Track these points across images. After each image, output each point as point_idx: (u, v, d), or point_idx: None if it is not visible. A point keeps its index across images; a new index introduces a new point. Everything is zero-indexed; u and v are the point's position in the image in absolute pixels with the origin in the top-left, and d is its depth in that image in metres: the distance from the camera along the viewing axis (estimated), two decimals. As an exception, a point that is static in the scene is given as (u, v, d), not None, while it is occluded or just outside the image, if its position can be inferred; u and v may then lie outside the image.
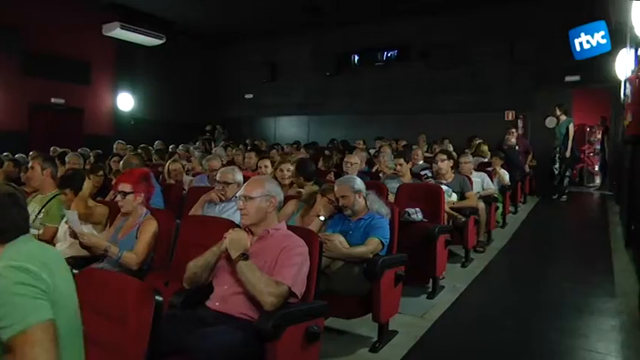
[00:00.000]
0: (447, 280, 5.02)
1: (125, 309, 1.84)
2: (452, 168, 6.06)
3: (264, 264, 2.51)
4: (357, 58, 13.68)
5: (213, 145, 11.57)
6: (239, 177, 4.17)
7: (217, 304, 2.55)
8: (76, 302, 1.73)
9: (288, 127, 15.34)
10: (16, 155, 8.03)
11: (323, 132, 13.81)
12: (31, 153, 8.44)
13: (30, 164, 4.26)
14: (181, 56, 14.98)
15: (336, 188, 3.75)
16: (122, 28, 12.43)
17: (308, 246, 2.62)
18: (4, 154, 8.19)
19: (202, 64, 16.01)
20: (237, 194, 3.95)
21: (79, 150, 8.21)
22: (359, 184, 3.70)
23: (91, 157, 7.81)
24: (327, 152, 8.53)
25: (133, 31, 12.68)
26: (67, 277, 1.71)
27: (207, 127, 14.93)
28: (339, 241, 3.42)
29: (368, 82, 13.44)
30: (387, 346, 3.57)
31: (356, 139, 11.62)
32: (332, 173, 6.68)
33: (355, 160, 5.87)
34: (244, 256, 2.46)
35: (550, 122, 10.60)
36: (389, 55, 13.21)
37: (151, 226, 3.44)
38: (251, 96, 15.82)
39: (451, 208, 5.40)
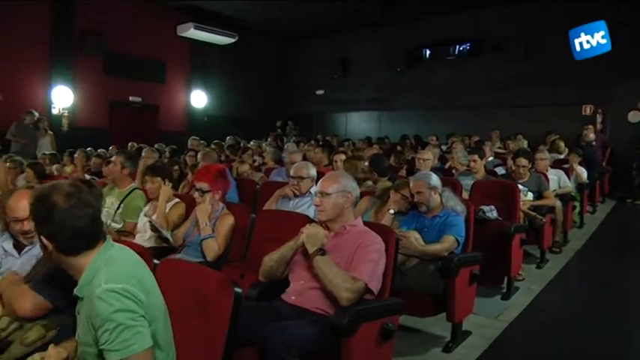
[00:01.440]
0: (522, 281, 4.86)
1: (206, 300, 1.86)
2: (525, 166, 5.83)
3: (340, 260, 2.49)
4: (428, 52, 13.49)
5: (284, 141, 11.71)
6: (313, 172, 4.18)
7: (293, 297, 2.56)
8: (164, 307, 1.79)
9: (358, 123, 15.32)
10: (99, 150, 8.42)
11: (394, 127, 13.68)
12: (110, 148, 8.88)
13: (113, 159, 4.44)
14: (253, 54, 15.27)
15: (411, 184, 3.69)
16: (196, 28, 12.86)
17: (384, 242, 2.58)
18: (88, 149, 8.62)
19: (274, 61, 16.26)
20: (312, 190, 4.05)
21: (155, 145, 8.50)
22: (435, 180, 3.63)
23: (167, 153, 8.07)
24: (398, 148, 8.42)
25: (206, 31, 13.10)
26: (155, 285, 1.77)
27: (278, 123, 15.13)
28: (414, 237, 3.36)
29: (439, 76, 13.22)
30: (461, 347, 3.49)
31: (427, 134, 11.45)
32: (404, 169, 6.58)
33: (428, 156, 5.77)
34: (321, 251, 2.45)
35: (634, 117, 10.02)
36: (461, 49, 12.97)
37: (228, 221, 3.50)
38: (322, 92, 15.90)
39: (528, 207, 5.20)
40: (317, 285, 2.48)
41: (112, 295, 1.57)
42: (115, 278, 1.61)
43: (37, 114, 9.82)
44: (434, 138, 10.78)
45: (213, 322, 1.83)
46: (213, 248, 3.33)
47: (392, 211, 3.74)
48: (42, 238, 1.66)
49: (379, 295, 2.53)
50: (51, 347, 1.77)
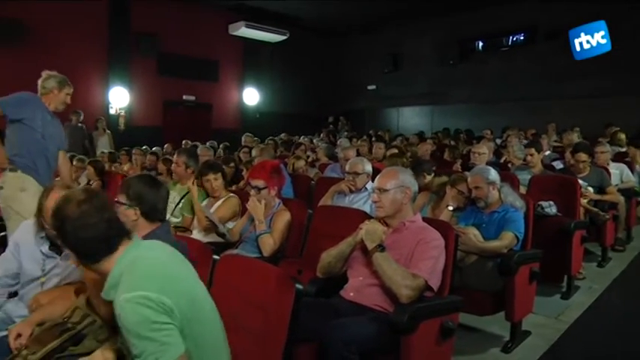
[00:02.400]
0: (583, 280, 4.68)
1: (267, 296, 1.87)
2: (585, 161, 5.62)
3: (399, 256, 2.46)
4: (481, 44, 13.21)
5: (337, 137, 11.72)
6: (368, 167, 4.13)
7: (352, 294, 2.55)
8: (211, 306, 1.77)
9: (411, 118, 15.18)
10: (154, 148, 8.64)
11: (447, 122, 13.42)
12: (165, 146, 9.10)
13: (174, 159, 4.53)
14: (304, 50, 15.34)
15: (469, 179, 3.62)
16: (247, 26, 13.02)
17: (443, 239, 2.54)
18: (143, 147, 8.85)
19: (325, 57, 16.29)
20: (368, 186, 4.03)
21: (207, 143, 8.65)
22: (493, 175, 3.54)
23: (220, 150, 8.20)
24: (452, 142, 8.29)
25: (258, 29, 13.24)
26: (193, 284, 1.73)
27: (330, 119, 15.16)
28: (473, 234, 3.30)
29: (493, 68, 12.90)
30: (520, 347, 3.40)
31: (481, 128, 11.21)
32: (458, 164, 6.48)
33: (483, 151, 5.66)
34: (380, 247, 2.43)
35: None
36: (514, 39, 12.66)
37: (285, 217, 3.51)
38: (374, 87, 15.84)
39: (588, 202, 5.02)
40: (376, 282, 2.46)
41: (131, 305, 1.52)
42: (134, 286, 1.56)
43: (82, 114, 10.09)
44: (488, 132, 10.57)
45: (273, 319, 1.84)
46: (269, 244, 3.35)
47: (451, 208, 3.68)
48: (67, 249, 1.69)
49: (438, 293, 2.49)
50: (98, 352, 1.79)
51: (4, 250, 4.37)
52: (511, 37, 12.65)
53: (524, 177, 5.18)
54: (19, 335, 2.09)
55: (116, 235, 1.69)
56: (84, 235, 1.61)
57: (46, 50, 10.42)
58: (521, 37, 12.50)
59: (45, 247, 2.55)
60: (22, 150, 3.78)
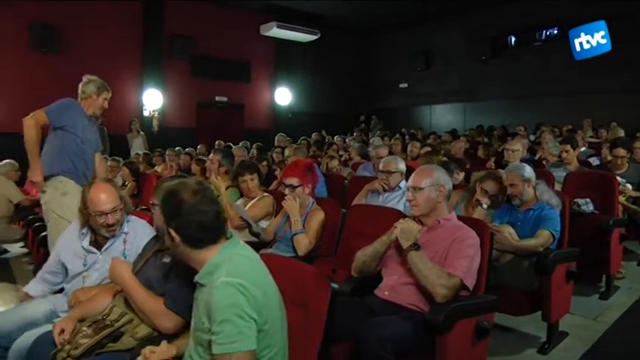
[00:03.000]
0: (622, 280, 4.58)
1: (303, 294, 1.88)
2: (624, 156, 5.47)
3: (434, 255, 2.45)
4: (513, 39, 12.96)
5: (369, 136, 11.69)
6: (402, 166, 4.13)
7: (387, 293, 2.55)
8: (282, 314, 1.82)
9: (443, 115, 15.05)
10: (187, 149, 8.75)
11: (479, 119, 13.27)
12: (199, 147, 9.21)
13: (210, 157, 4.60)
14: (336, 49, 15.36)
15: (504, 176, 3.59)
16: (279, 27, 13.09)
17: (479, 237, 2.51)
18: (177, 148, 8.97)
19: (356, 56, 16.31)
20: (402, 185, 4.01)
21: (240, 143, 8.73)
22: (529, 172, 3.49)
23: (253, 150, 8.26)
24: (485, 139, 8.19)
25: (289, 29, 13.30)
26: (274, 288, 1.80)
27: (362, 118, 15.15)
28: (508, 232, 3.26)
29: (526, 64, 12.67)
30: (557, 349, 3.35)
31: (514, 125, 11.08)
32: (492, 161, 6.39)
33: (517, 147, 5.56)
34: (415, 246, 2.42)
35: None
36: (548, 33, 12.38)
37: (319, 216, 3.52)
38: (405, 85, 15.75)
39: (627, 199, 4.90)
40: (411, 280, 2.45)
41: (228, 288, 1.62)
42: (234, 273, 1.67)
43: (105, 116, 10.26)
44: (522, 128, 10.41)
45: (310, 317, 1.85)
46: (305, 243, 3.36)
47: (485, 206, 3.63)
48: (170, 231, 1.77)
49: (474, 292, 2.47)
50: (163, 343, 1.85)
51: (45, 250, 4.56)
52: (544, 32, 12.39)
53: (559, 174, 5.09)
54: (62, 331, 2.17)
55: (220, 227, 1.83)
56: (198, 219, 1.75)
57: (81, 54, 10.75)
58: (555, 31, 12.21)
59: (85, 242, 2.66)
60: (64, 155, 3.87)
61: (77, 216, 3.51)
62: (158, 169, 7.99)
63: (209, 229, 1.78)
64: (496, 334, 3.16)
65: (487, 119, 12.88)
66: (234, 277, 1.65)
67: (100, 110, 4.18)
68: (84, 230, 2.70)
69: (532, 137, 9.43)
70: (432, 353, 2.27)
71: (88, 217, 2.62)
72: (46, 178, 3.86)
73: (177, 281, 2.10)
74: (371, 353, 2.10)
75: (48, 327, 2.27)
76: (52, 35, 10.35)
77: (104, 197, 2.56)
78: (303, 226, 3.47)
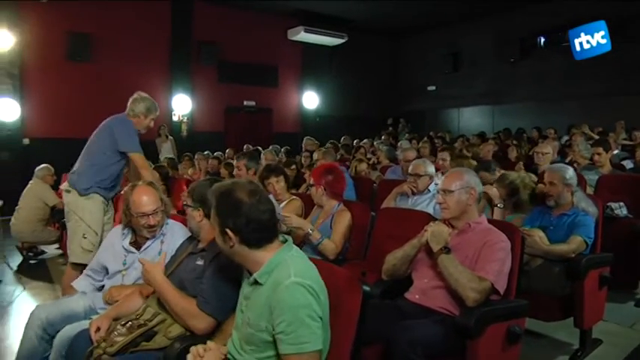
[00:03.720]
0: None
1: (335, 297, 1.86)
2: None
3: (465, 258, 2.44)
4: (542, 40, 12.65)
5: (397, 139, 11.64)
6: (431, 169, 4.10)
7: (417, 296, 2.55)
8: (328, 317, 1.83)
9: (471, 118, 14.89)
10: (215, 153, 8.85)
11: (508, 121, 13.09)
12: (227, 151, 9.30)
13: (236, 164, 4.65)
14: (363, 52, 15.35)
15: (546, 173, 3.53)
16: (306, 31, 13.12)
17: (509, 241, 2.49)
18: (205, 152, 9.08)
19: (384, 59, 16.27)
20: (431, 188, 4.00)
21: (270, 147, 8.79)
22: (571, 176, 3.41)
23: (282, 154, 8.31)
24: (514, 142, 8.09)
25: (316, 33, 13.32)
26: (326, 292, 1.82)
27: (389, 121, 15.10)
28: (539, 236, 3.20)
29: (556, 65, 12.35)
30: (591, 357, 3.29)
31: (544, 127, 10.87)
32: (521, 164, 6.30)
33: (547, 150, 5.49)
34: (446, 249, 2.42)
35: None
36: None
37: (345, 218, 3.51)
38: (434, 88, 15.64)
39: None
40: (441, 284, 2.45)
41: (299, 288, 1.66)
42: (303, 274, 1.71)
43: None
44: (552, 131, 10.24)
45: (341, 320, 1.84)
46: (331, 248, 3.35)
47: (500, 205, 3.62)
48: (227, 231, 1.78)
49: (504, 296, 2.44)
50: (211, 343, 1.87)
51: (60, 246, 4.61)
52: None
53: (591, 177, 5.00)
54: (98, 328, 2.26)
55: (275, 226, 1.87)
56: (257, 218, 1.78)
57: (112, 62, 11.02)
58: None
59: (126, 242, 2.79)
60: (106, 175, 3.92)
61: (96, 221, 3.77)
62: (188, 172, 8.09)
63: (266, 228, 1.81)
64: (527, 340, 3.10)
65: (515, 122, 12.68)
66: (303, 278, 1.69)
67: (145, 130, 4.20)
68: (125, 231, 2.83)
69: (563, 139, 9.26)
70: (463, 358, 2.26)
71: (130, 219, 2.73)
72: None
73: (210, 282, 2.16)
74: (401, 356, 2.10)
75: (86, 323, 2.36)
76: (86, 44, 10.61)
77: (146, 199, 2.69)
78: (330, 227, 3.48)
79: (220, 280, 2.15)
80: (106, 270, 2.82)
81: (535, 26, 12.59)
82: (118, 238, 2.84)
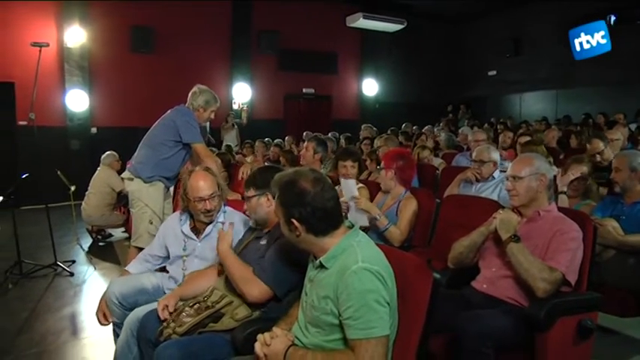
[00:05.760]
0: None
1: (404, 283, 1.84)
2: None
3: (534, 248, 2.35)
4: (613, 18, 11.89)
5: (457, 126, 11.41)
6: (495, 155, 3.97)
7: (484, 286, 2.48)
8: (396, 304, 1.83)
9: (534, 103, 14.35)
10: (276, 140, 8.93)
11: (573, 106, 12.55)
12: (287, 138, 9.37)
13: (305, 144, 4.67)
14: (422, 38, 15.12)
15: (614, 159, 3.39)
16: (365, 17, 12.96)
17: (581, 230, 2.37)
18: (266, 139, 9.18)
19: (444, 44, 15.97)
20: (496, 175, 3.89)
21: (329, 134, 8.78)
22: (639, 162, 3.24)
23: (342, 140, 8.28)
24: (578, 128, 7.74)
25: (375, 19, 13.13)
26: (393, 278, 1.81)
27: (449, 108, 14.81)
28: (612, 226, 3.06)
29: (627, 45, 11.49)
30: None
31: (612, 112, 10.31)
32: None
33: (617, 136, 5.21)
34: (515, 237, 2.33)
35: None
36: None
37: (411, 205, 3.48)
38: (494, 73, 15.18)
39: None
40: (509, 273, 2.37)
41: (367, 274, 1.66)
42: (370, 259, 1.70)
43: None
44: (621, 116, 9.72)
45: (410, 306, 1.81)
46: (396, 234, 3.34)
47: (564, 189, 3.50)
48: (293, 221, 1.78)
49: (576, 288, 2.34)
50: (277, 329, 1.87)
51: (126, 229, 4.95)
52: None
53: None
54: (165, 307, 2.34)
55: (340, 212, 1.86)
56: (322, 206, 1.77)
57: (175, 54, 11.34)
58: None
59: (186, 228, 2.86)
60: (168, 166, 4.02)
61: (160, 207, 3.92)
62: (248, 159, 8.19)
63: (332, 215, 1.80)
64: (597, 335, 2.98)
65: (581, 107, 12.07)
66: (371, 263, 1.68)
67: (206, 122, 4.33)
68: (183, 216, 2.90)
69: (633, 126, 8.79)
70: (532, 351, 2.20)
71: (187, 203, 2.80)
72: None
73: (270, 258, 2.21)
74: (471, 347, 2.06)
75: (155, 304, 2.44)
76: (149, 36, 10.92)
77: (203, 184, 2.74)
78: (396, 214, 3.45)
79: (281, 258, 2.19)
80: (167, 254, 2.92)
81: (604, 4, 11.85)
82: (177, 222, 2.92)
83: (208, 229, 2.82)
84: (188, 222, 2.88)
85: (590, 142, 4.67)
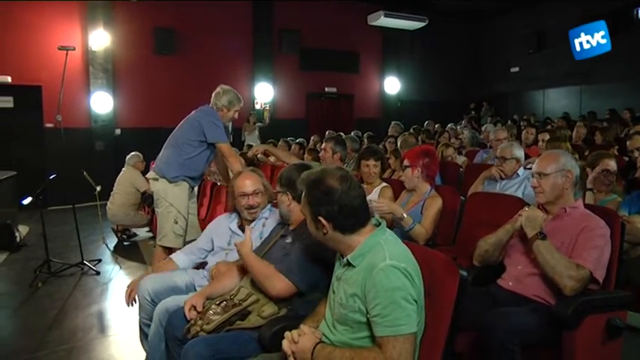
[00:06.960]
0: None
1: (431, 281, 1.85)
2: None
3: (560, 245, 2.33)
4: (639, 11, 11.62)
5: (480, 123, 11.30)
6: (518, 152, 3.95)
7: (510, 283, 2.47)
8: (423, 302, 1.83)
9: (557, 100, 14.12)
10: (298, 140, 8.95)
11: (597, 102, 12.29)
12: (313, 137, 9.37)
13: (323, 146, 4.69)
14: (444, 35, 15.00)
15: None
16: (386, 16, 12.89)
17: (608, 227, 2.35)
18: (289, 138, 9.20)
19: (465, 41, 15.83)
20: (520, 172, 3.86)
21: (352, 133, 8.77)
22: None
23: (365, 139, 8.26)
24: (604, 124, 7.60)
25: (396, 18, 13.04)
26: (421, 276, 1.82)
27: (472, 105, 14.68)
28: (640, 223, 3.02)
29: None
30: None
31: (638, 108, 10.11)
32: (614, 149, 5.87)
33: (645, 132, 5.11)
34: (541, 235, 2.32)
35: None
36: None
37: (437, 203, 3.47)
38: (517, 69, 14.96)
39: None
40: (536, 271, 2.36)
41: (395, 271, 1.66)
42: (398, 257, 1.71)
43: None
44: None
45: (437, 304, 1.82)
46: (421, 233, 3.32)
47: (590, 185, 3.48)
48: (320, 219, 1.80)
49: (603, 286, 2.31)
50: (305, 327, 1.88)
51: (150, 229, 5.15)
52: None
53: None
54: (192, 307, 2.37)
55: (367, 211, 1.87)
56: (350, 203, 1.79)
57: (197, 54, 11.42)
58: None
59: (233, 225, 3.04)
60: (192, 166, 4.08)
61: (185, 206, 4.03)
62: (271, 158, 8.22)
63: (359, 213, 1.81)
64: (625, 334, 2.94)
65: (605, 103, 11.81)
66: (399, 260, 1.69)
67: (230, 122, 4.43)
68: (232, 215, 3.11)
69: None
70: (559, 349, 2.18)
71: (233, 201, 3.00)
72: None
73: (295, 254, 2.26)
74: (498, 345, 2.05)
75: (184, 300, 2.48)
76: (171, 38, 11.03)
77: (248, 182, 2.93)
78: (421, 212, 3.44)
79: (304, 254, 2.23)
80: (212, 248, 3.07)
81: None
82: (226, 220, 3.11)
83: (253, 223, 2.95)
84: (236, 220, 3.06)
85: (631, 138, 4.60)
